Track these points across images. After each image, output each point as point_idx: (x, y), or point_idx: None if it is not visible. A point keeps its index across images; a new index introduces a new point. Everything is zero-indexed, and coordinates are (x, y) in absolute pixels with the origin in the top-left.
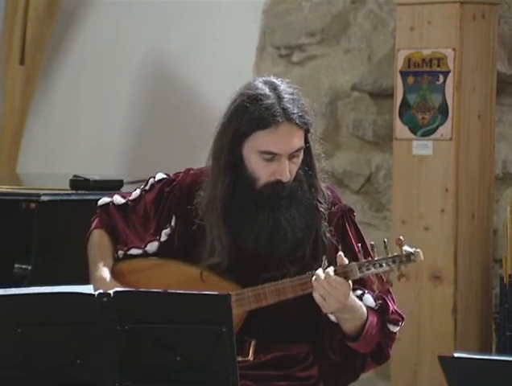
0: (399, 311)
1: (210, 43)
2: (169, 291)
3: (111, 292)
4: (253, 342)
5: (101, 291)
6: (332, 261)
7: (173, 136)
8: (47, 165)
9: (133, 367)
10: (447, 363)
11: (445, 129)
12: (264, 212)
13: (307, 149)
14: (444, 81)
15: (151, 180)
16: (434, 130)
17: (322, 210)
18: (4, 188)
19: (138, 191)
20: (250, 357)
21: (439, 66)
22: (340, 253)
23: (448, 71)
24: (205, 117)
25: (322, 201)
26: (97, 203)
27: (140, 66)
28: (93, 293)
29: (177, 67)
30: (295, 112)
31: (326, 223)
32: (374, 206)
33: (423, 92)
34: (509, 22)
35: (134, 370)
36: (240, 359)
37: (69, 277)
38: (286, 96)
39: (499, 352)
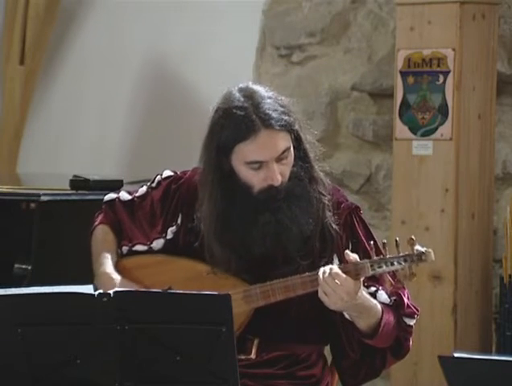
0: (414, 304)
1: (210, 43)
2: (169, 291)
3: (111, 292)
4: (255, 341)
5: (101, 291)
6: (341, 255)
7: (173, 136)
8: (47, 165)
9: (133, 367)
10: (447, 363)
11: (445, 129)
12: (265, 216)
13: (298, 144)
14: (444, 81)
15: (158, 177)
16: (434, 130)
17: (325, 201)
18: (4, 188)
19: (144, 188)
20: (253, 355)
21: (439, 66)
22: (347, 251)
23: (448, 71)
24: (205, 117)
25: (324, 193)
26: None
27: (140, 66)
28: (93, 293)
29: (177, 67)
30: (273, 116)
31: (330, 214)
32: (374, 206)
33: (423, 92)
34: (509, 22)
35: (135, 370)
36: (242, 357)
37: (69, 277)
38: (262, 101)
39: (499, 352)
